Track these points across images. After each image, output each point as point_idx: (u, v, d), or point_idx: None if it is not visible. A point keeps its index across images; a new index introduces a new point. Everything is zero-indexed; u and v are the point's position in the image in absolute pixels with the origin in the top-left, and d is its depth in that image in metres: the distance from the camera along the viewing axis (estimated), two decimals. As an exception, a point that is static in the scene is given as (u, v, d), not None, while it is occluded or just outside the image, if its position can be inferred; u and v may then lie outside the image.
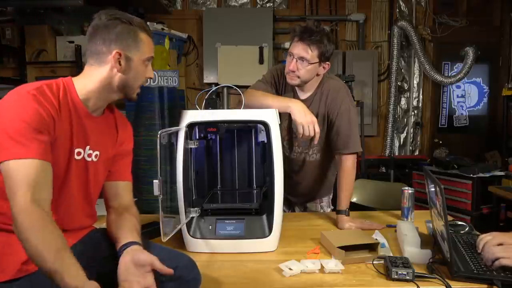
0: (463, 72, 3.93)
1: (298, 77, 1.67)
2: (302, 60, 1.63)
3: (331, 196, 2.06)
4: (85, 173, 1.16)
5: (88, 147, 1.14)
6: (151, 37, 1.18)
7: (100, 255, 1.14)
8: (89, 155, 1.15)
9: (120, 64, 1.11)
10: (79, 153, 1.12)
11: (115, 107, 1.29)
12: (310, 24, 1.63)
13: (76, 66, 3.03)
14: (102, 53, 1.11)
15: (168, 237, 1.22)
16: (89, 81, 1.12)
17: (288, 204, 2.04)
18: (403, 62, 4.25)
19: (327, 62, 1.68)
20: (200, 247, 1.41)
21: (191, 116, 1.41)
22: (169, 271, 1.00)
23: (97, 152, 1.17)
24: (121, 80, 1.13)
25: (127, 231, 1.13)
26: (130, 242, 1.08)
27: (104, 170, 1.23)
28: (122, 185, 1.28)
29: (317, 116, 1.63)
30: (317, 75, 1.71)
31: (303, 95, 1.77)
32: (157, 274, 1.05)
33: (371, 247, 1.34)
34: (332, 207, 2.03)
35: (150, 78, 1.22)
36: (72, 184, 1.12)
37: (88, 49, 1.13)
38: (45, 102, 1.02)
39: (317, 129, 1.54)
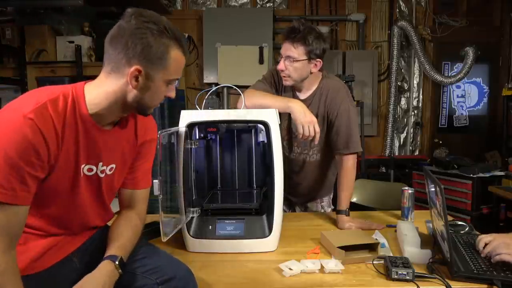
0: (463, 72, 3.93)
1: (289, 76, 1.69)
2: (289, 59, 1.65)
3: (331, 196, 2.05)
4: (99, 186, 1.10)
5: (101, 163, 1.07)
6: (185, 53, 1.03)
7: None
8: (103, 171, 1.08)
9: (137, 81, 0.97)
10: (90, 170, 1.05)
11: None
12: (296, 23, 1.65)
13: (76, 66, 3.03)
14: (121, 64, 0.96)
15: (168, 237, 1.22)
16: (101, 91, 1.00)
17: (289, 204, 2.04)
18: (403, 62, 4.25)
19: (318, 60, 1.68)
20: (200, 247, 1.41)
21: (191, 116, 1.41)
22: None
23: (113, 166, 1.10)
24: (135, 97, 1.00)
25: (113, 242, 1.11)
26: (108, 256, 1.06)
27: (120, 178, 1.17)
28: (137, 193, 1.23)
29: (316, 116, 1.63)
30: (311, 73, 1.71)
31: (302, 95, 1.77)
32: (154, 280, 1.05)
33: (371, 247, 1.34)
34: (332, 207, 2.03)
35: (171, 97, 1.08)
36: (81, 197, 1.07)
37: (107, 52, 0.99)
38: (42, 128, 0.90)
39: (317, 129, 1.54)
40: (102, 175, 1.09)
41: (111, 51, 0.97)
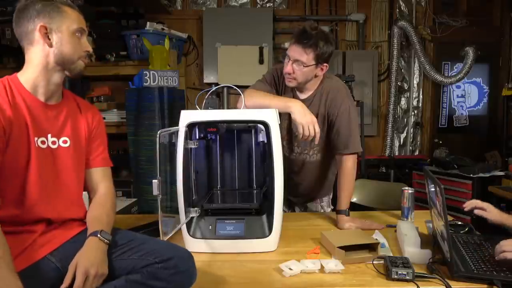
0: (463, 72, 3.92)
1: (295, 79, 1.67)
2: (298, 63, 1.63)
3: (331, 196, 2.05)
4: (55, 161, 1.17)
5: (49, 135, 1.16)
6: (76, 10, 1.18)
7: None
8: (54, 143, 1.17)
9: (49, 38, 1.12)
10: (43, 142, 1.15)
11: (76, 95, 1.31)
12: (308, 26, 1.63)
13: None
14: (29, 32, 1.12)
15: (168, 237, 1.22)
16: (30, 68, 1.14)
17: (288, 204, 2.04)
18: (403, 62, 4.25)
19: (325, 64, 1.68)
20: (200, 247, 1.41)
21: (191, 116, 1.41)
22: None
23: (65, 138, 1.20)
24: (56, 55, 1.14)
25: (90, 224, 1.18)
26: (89, 234, 1.12)
27: (80, 155, 1.25)
28: (99, 171, 1.30)
29: (317, 116, 1.63)
30: (316, 76, 1.70)
31: (303, 96, 1.77)
32: (153, 260, 1.07)
33: (371, 247, 1.34)
34: (332, 207, 2.03)
35: (88, 51, 1.20)
36: (40, 173, 1.13)
37: (17, 35, 1.15)
38: None
39: (317, 129, 1.54)
40: (54, 146, 1.17)
41: (19, 30, 1.14)
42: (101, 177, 1.31)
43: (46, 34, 1.12)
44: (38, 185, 1.13)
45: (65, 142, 1.20)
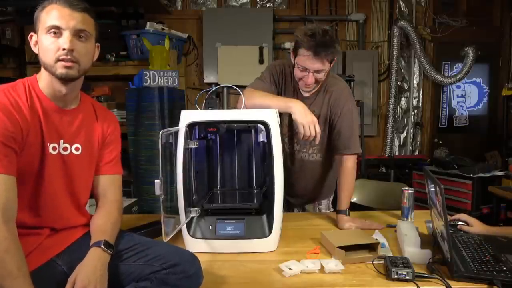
0: (463, 72, 3.92)
1: (317, 85, 1.68)
2: (319, 72, 1.62)
3: (331, 199, 2.05)
4: (65, 167, 1.15)
5: (62, 141, 1.14)
6: (60, 4, 1.08)
7: None
8: (65, 149, 1.15)
9: (35, 46, 1.13)
10: (54, 148, 1.12)
11: (94, 100, 1.29)
12: (318, 35, 1.55)
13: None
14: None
15: (169, 237, 1.22)
16: (42, 73, 1.13)
17: (287, 206, 2.03)
18: (403, 62, 4.25)
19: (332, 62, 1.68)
20: (200, 247, 1.41)
21: (191, 116, 1.41)
22: None
23: (78, 145, 1.17)
24: (40, 60, 1.12)
25: (94, 233, 1.16)
26: (92, 244, 1.11)
27: (91, 164, 1.23)
28: (109, 179, 1.27)
29: (318, 116, 1.63)
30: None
31: (306, 93, 1.75)
32: (160, 267, 1.07)
33: (371, 247, 1.34)
34: (332, 209, 2.03)
35: (64, 49, 1.07)
36: (51, 179, 1.12)
37: None
38: (11, 109, 1.03)
39: (318, 129, 1.54)
40: (65, 153, 1.14)
41: None
42: (109, 184, 1.27)
43: (34, 42, 1.12)
44: (47, 192, 1.12)
45: (77, 149, 1.17)
